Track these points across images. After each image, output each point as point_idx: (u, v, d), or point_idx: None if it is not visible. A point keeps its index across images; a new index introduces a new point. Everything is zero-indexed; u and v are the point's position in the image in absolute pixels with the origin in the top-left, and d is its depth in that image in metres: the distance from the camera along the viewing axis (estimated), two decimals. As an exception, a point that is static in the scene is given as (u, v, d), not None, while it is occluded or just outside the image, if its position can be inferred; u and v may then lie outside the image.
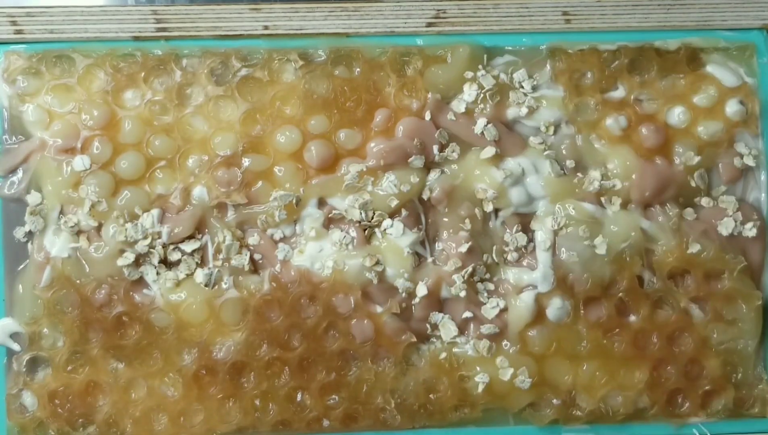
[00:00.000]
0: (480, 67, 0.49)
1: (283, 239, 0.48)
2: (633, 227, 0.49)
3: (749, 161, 0.50)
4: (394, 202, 0.48)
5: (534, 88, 0.50)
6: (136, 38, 0.49)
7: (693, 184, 0.50)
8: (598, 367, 0.49)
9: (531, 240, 0.49)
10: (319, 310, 0.48)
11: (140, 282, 0.48)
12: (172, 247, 0.48)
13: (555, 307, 0.48)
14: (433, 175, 0.49)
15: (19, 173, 0.48)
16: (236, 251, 0.48)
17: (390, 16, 0.50)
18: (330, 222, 0.49)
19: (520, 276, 0.49)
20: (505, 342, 0.49)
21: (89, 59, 0.48)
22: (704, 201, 0.50)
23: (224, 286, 0.47)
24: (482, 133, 0.49)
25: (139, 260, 0.47)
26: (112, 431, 0.48)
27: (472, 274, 0.48)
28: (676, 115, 0.50)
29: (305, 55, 0.49)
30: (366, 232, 0.48)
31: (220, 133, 0.48)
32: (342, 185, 0.48)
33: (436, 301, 0.49)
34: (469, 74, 0.49)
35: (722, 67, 0.50)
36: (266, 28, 0.49)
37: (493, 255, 0.49)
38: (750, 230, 0.49)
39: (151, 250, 0.47)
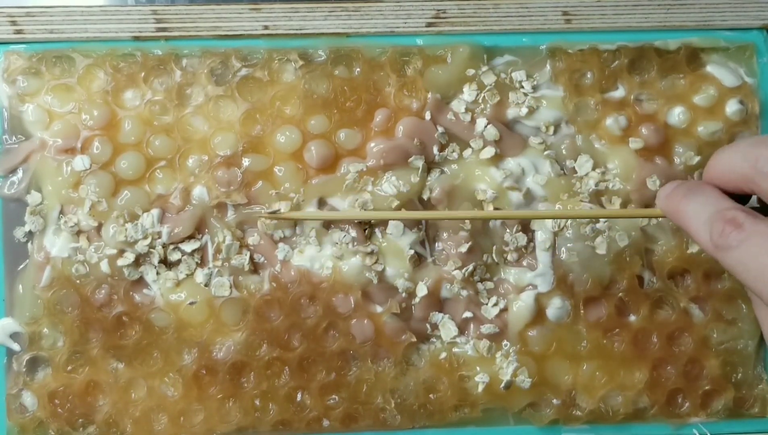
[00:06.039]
0: (480, 67, 0.49)
1: (283, 239, 0.48)
2: (633, 227, 0.49)
3: (749, 161, 0.50)
4: (394, 202, 0.48)
5: (534, 88, 0.49)
6: (136, 38, 0.49)
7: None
8: (598, 367, 0.49)
9: (531, 240, 0.49)
10: (319, 310, 0.48)
11: (140, 282, 0.48)
12: (172, 247, 0.48)
13: (555, 307, 0.48)
14: (433, 175, 0.49)
15: (19, 173, 0.48)
16: (236, 251, 0.48)
17: (390, 16, 0.50)
18: (330, 222, 0.49)
19: (520, 276, 0.49)
20: (505, 342, 0.49)
21: (89, 59, 0.48)
22: (704, 201, 0.50)
23: (225, 293, 0.47)
24: (482, 133, 0.49)
25: (139, 260, 0.47)
26: (112, 431, 0.48)
27: (472, 274, 0.48)
28: (676, 115, 0.50)
29: (305, 55, 0.49)
30: (366, 232, 0.48)
31: (220, 133, 0.48)
32: (342, 185, 0.48)
33: (436, 301, 0.49)
34: (470, 74, 0.49)
35: (722, 67, 0.50)
36: (266, 28, 0.49)
37: (493, 255, 0.49)
38: (750, 230, 0.49)
39: (151, 250, 0.47)
